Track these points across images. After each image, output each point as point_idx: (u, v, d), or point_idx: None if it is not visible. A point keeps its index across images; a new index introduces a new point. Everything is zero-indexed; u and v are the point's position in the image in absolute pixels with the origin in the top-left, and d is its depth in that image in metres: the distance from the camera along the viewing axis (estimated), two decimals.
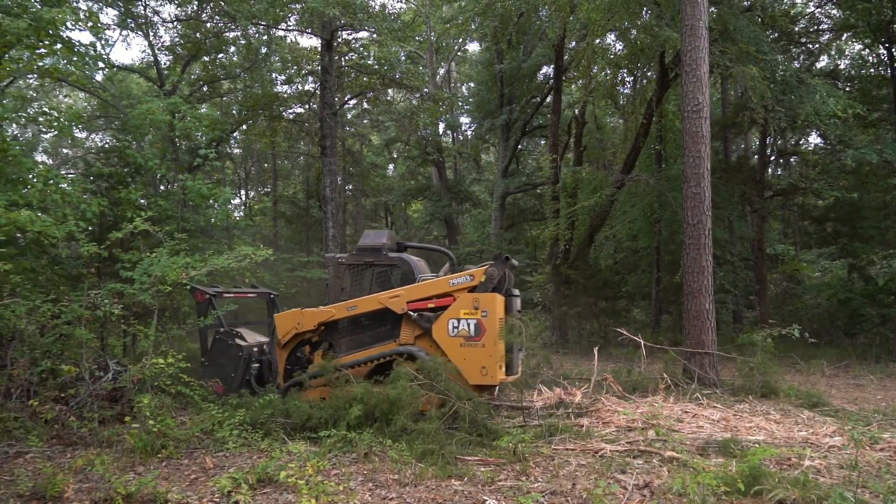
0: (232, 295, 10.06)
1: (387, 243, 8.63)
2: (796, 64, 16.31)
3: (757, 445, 6.18)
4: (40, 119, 9.82)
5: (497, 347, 7.44)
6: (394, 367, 7.70)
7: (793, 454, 6.04)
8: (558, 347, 16.52)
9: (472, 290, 7.65)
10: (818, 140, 19.00)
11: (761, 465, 5.07)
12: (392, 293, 7.96)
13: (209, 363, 8.71)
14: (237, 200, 32.26)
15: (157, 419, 6.36)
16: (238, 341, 8.77)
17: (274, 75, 22.08)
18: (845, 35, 17.54)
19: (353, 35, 19.45)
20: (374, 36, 18.45)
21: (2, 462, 5.97)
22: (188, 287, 9.11)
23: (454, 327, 7.59)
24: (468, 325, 7.53)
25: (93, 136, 26.10)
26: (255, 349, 8.80)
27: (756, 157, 18.99)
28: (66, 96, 28.56)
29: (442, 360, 7.29)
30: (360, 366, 7.91)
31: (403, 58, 20.71)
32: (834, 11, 17.01)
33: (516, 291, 8.31)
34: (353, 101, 23.27)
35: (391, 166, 34.69)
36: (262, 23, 16.67)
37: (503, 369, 7.61)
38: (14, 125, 19.85)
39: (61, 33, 8.43)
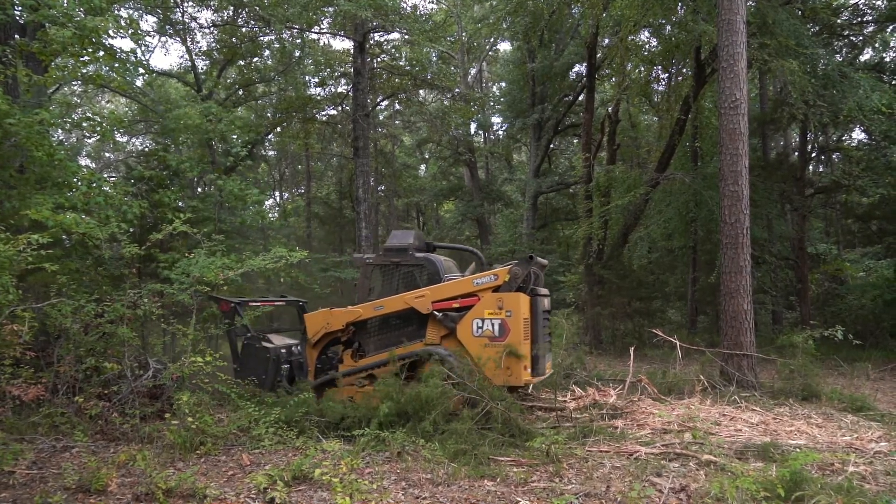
0: (258, 304, 10.21)
1: (413, 243, 8.64)
2: (839, 57, 15.80)
3: (798, 450, 6.02)
4: (84, 124, 10.14)
5: (522, 348, 7.39)
6: (419, 367, 7.74)
7: (836, 459, 5.86)
8: (592, 348, 16.35)
9: (497, 289, 7.61)
10: (862, 136, 18.39)
11: (803, 470, 4.93)
12: (417, 293, 7.98)
13: (241, 368, 8.84)
14: (271, 201, 32.79)
15: (195, 416, 6.52)
16: (266, 344, 8.91)
17: (307, 78, 22.38)
18: (891, 27, 16.95)
19: (385, 37, 19.62)
20: (406, 37, 18.55)
21: (49, 456, 6.18)
22: (214, 298, 9.38)
23: (478, 327, 7.56)
24: (492, 325, 7.49)
25: (133, 139, 26.86)
26: (283, 350, 8.94)
27: (796, 153, 18.47)
28: (108, 102, 29.45)
29: (468, 361, 7.32)
30: (386, 365, 7.90)
31: (435, 58, 20.76)
32: (878, 2, 16.45)
33: (544, 291, 8.23)
34: (385, 103, 23.44)
35: (423, 167, 34.81)
36: (296, 26, 16.91)
37: (528, 370, 7.55)
38: (60, 130, 20.56)
39: (103, 41, 8.70)
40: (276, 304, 10.67)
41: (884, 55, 17.81)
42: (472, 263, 8.88)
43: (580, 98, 23.01)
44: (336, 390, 7.99)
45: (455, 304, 7.75)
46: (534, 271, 7.76)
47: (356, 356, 8.33)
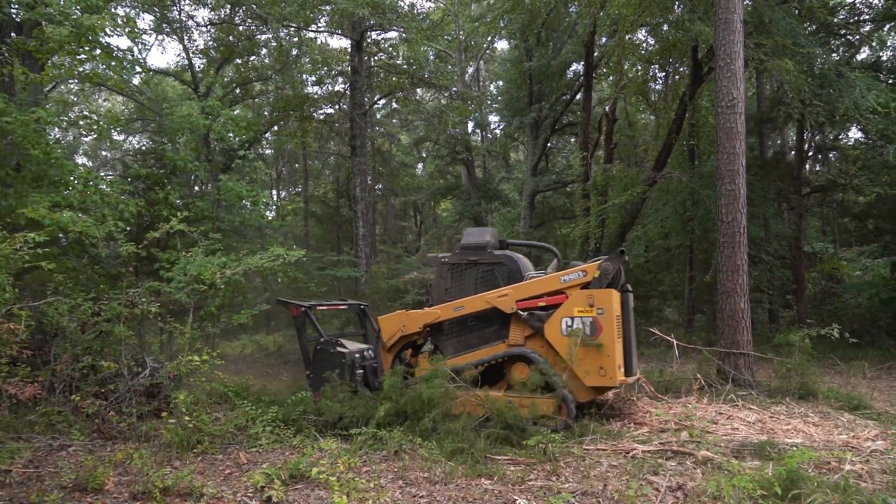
0: (325, 307, 9.82)
1: (490, 241, 8.35)
2: (835, 56, 15.83)
3: (795, 448, 6.03)
4: (81, 122, 10.12)
5: (615, 346, 7.12)
6: (506, 369, 7.57)
7: (833, 458, 5.88)
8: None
9: (585, 286, 7.31)
10: (859, 135, 18.44)
11: (799, 468, 4.94)
12: (500, 292, 7.68)
13: (314, 374, 8.45)
14: (267, 200, 32.72)
15: (192, 415, 6.51)
16: (340, 349, 8.56)
17: (305, 76, 22.34)
18: (888, 25, 16.98)
19: (383, 35, 19.61)
20: (404, 35, 18.53)
21: (46, 454, 6.17)
22: (282, 302, 9.04)
23: (568, 326, 7.26)
24: (583, 323, 7.19)
25: (130, 138, 26.80)
26: (357, 355, 8.61)
27: (793, 152, 18.50)
28: (105, 100, 29.39)
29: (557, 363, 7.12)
30: (469, 369, 7.60)
31: (432, 57, 20.75)
32: (876, 1, 16.48)
33: (629, 287, 7.90)
34: (382, 101, 23.42)
35: (420, 165, 34.80)
36: (294, 25, 16.89)
37: (622, 369, 7.26)
38: (56, 129, 20.50)
39: (100, 39, 8.68)
40: (339, 307, 10.17)
41: (881, 54, 17.85)
42: (553, 260, 8.56)
43: (577, 97, 23.01)
44: None
45: (541, 303, 7.47)
46: (621, 267, 7.47)
47: (432, 359, 7.97)
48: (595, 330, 7.15)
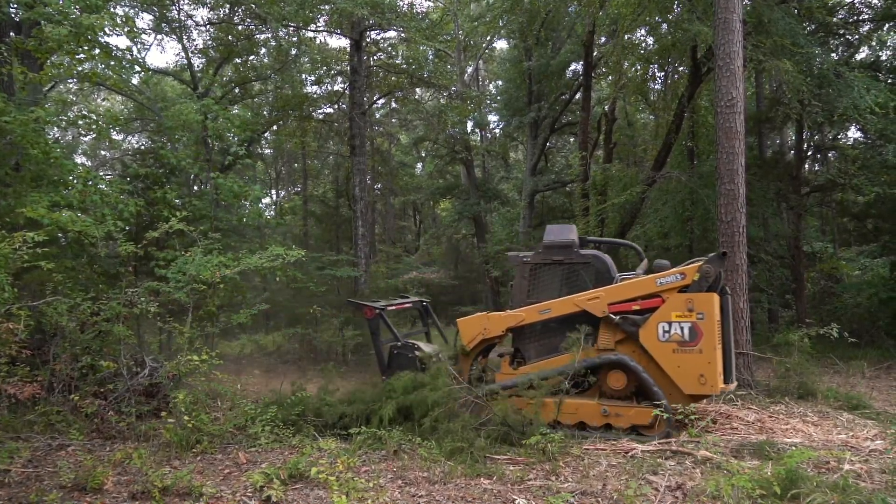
0: (394, 307, 9.43)
1: (576, 239, 8.00)
2: (834, 56, 15.83)
3: (794, 448, 6.04)
4: (80, 122, 10.11)
5: (716, 353, 6.80)
6: (598, 376, 7.29)
7: (832, 457, 5.88)
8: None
9: (683, 289, 6.98)
10: (858, 134, 18.45)
11: (799, 468, 4.95)
12: (590, 295, 7.34)
13: (390, 378, 8.09)
14: (267, 199, 32.73)
15: (191, 414, 6.51)
16: (418, 353, 8.29)
17: (304, 76, 22.30)
18: (887, 25, 16.98)
19: (382, 35, 19.57)
20: (403, 35, 18.51)
21: (45, 454, 6.17)
22: (354, 303, 8.77)
23: (665, 331, 6.93)
24: (681, 328, 6.87)
25: (129, 137, 26.76)
26: (434, 359, 8.29)
27: (792, 152, 18.50)
28: (104, 100, 29.34)
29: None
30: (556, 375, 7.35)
31: (431, 57, 20.73)
32: (875, 0, 16.49)
33: (728, 290, 7.60)
34: (381, 101, 23.40)
35: (420, 165, 34.78)
36: (293, 24, 16.86)
37: (722, 377, 6.96)
38: (55, 128, 20.49)
39: (99, 39, 8.67)
40: (405, 305, 9.86)
41: (880, 53, 17.85)
42: (643, 261, 8.25)
43: (577, 96, 23.00)
44: (502, 401, 7.24)
45: (634, 307, 7.14)
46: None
47: (514, 363, 7.76)
48: (695, 335, 6.83)
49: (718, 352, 6.84)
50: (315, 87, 22.27)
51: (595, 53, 19.20)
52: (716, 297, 6.94)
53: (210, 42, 19.29)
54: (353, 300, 9.01)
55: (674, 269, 7.15)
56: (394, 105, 25.59)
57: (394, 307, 9.27)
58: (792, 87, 12.40)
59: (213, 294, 9.28)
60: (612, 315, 7.20)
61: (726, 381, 7.06)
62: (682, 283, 7.00)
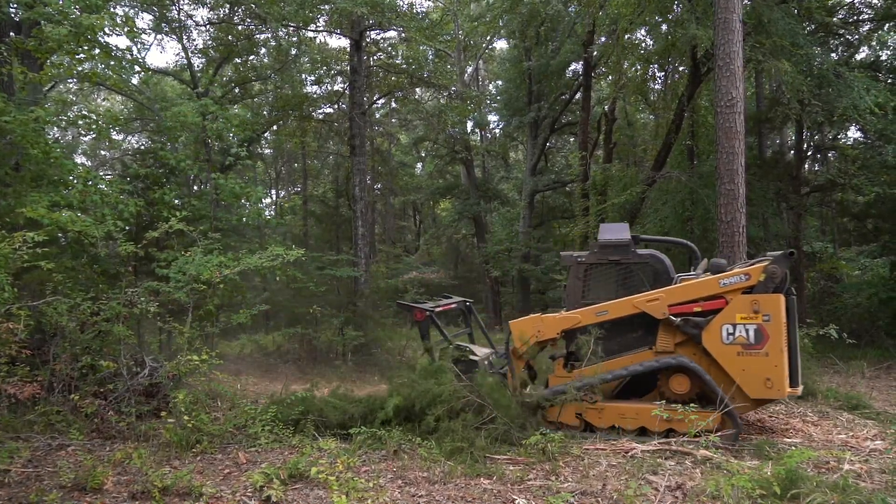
0: (440, 309, 9.13)
1: (631, 239, 7.77)
2: (834, 56, 15.84)
3: (794, 448, 6.04)
4: (80, 122, 10.10)
5: (783, 356, 6.60)
6: (659, 379, 7.11)
7: (832, 457, 5.89)
8: None
9: (748, 290, 6.76)
10: (858, 134, 18.46)
11: (798, 468, 4.95)
12: (650, 296, 7.11)
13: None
14: (268, 200, 32.75)
15: (191, 414, 6.51)
16: (471, 356, 8.06)
17: (304, 76, 22.32)
18: (887, 25, 16.98)
19: (382, 35, 19.57)
20: (403, 35, 18.51)
21: (45, 454, 6.17)
22: (403, 305, 8.55)
23: (729, 333, 6.72)
24: (746, 330, 6.67)
25: (129, 137, 26.77)
26: (487, 362, 8.14)
27: (792, 152, 18.50)
28: (104, 100, 29.35)
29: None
30: (616, 379, 7.18)
31: (431, 56, 20.74)
32: (875, 0, 16.50)
33: (794, 290, 7.32)
34: (381, 101, 23.40)
35: (419, 165, 34.80)
36: (293, 24, 16.86)
37: (788, 380, 6.74)
38: (55, 128, 20.49)
39: (99, 39, 8.67)
40: (451, 306, 9.59)
41: (880, 53, 17.85)
42: (703, 260, 8.01)
43: (577, 96, 23.02)
44: (560, 407, 7.19)
45: (696, 308, 6.91)
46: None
47: (568, 366, 7.56)
48: (761, 338, 6.64)
49: (785, 355, 6.66)
50: (315, 87, 22.29)
51: (595, 53, 19.20)
52: (782, 299, 6.73)
53: (210, 42, 19.30)
54: (402, 302, 8.79)
55: (738, 270, 6.96)
56: (394, 105, 25.59)
57: (440, 309, 9.00)
58: (791, 88, 12.40)
59: (213, 294, 9.28)
60: (672, 317, 6.98)
61: (792, 384, 6.82)
62: (747, 283, 6.79)
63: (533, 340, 7.58)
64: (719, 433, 6.42)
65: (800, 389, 6.96)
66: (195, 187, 18.00)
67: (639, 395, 7.35)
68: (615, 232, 7.87)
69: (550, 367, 7.49)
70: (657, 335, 7.15)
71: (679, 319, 6.94)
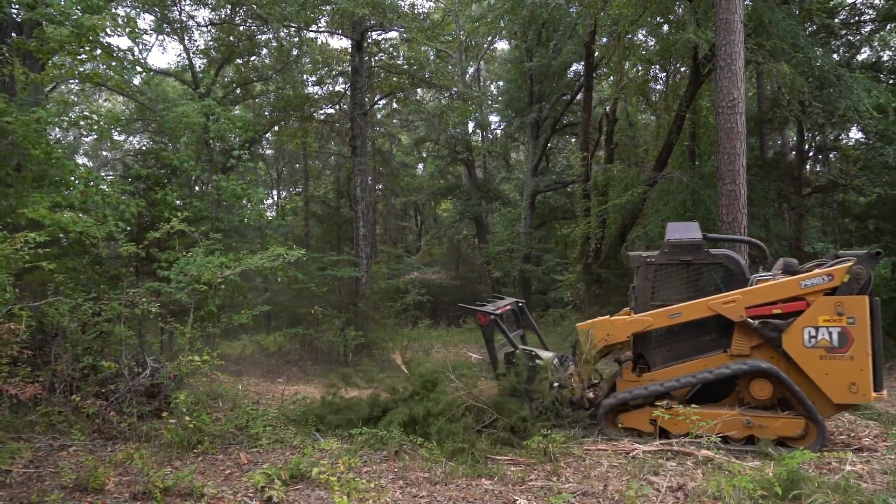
0: (500, 311, 8.69)
1: (703, 238, 7.50)
2: (835, 56, 15.83)
3: (795, 448, 6.04)
4: (81, 122, 10.10)
5: (868, 360, 6.44)
6: (737, 384, 6.88)
7: (833, 458, 5.88)
8: None
9: (831, 292, 6.57)
10: (859, 135, 18.45)
11: (800, 468, 4.95)
12: (726, 298, 6.88)
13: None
14: (269, 201, 32.78)
15: (192, 415, 6.51)
16: (538, 360, 7.82)
17: (305, 77, 22.34)
18: (889, 26, 16.97)
19: (383, 35, 19.57)
20: (404, 36, 18.52)
21: (47, 454, 6.17)
22: (466, 308, 8.29)
23: (811, 337, 6.53)
24: (829, 333, 6.48)
25: (131, 138, 26.81)
26: (555, 362, 7.91)
27: (794, 153, 18.50)
28: (105, 100, 29.39)
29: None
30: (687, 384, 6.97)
31: (433, 57, 20.76)
32: (878, 0, 16.49)
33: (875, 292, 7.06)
34: (382, 101, 23.41)
35: (421, 165, 34.82)
36: (294, 25, 16.87)
37: (873, 384, 6.54)
38: (57, 129, 20.51)
39: (101, 39, 8.67)
40: (507, 308, 9.25)
41: (881, 54, 17.84)
42: (778, 260, 7.83)
43: (578, 97, 23.03)
44: (633, 414, 7.01)
45: (775, 310, 6.70)
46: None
47: (637, 370, 7.35)
48: (845, 341, 6.46)
49: (870, 358, 6.47)
50: (316, 88, 22.31)
51: (596, 54, 19.21)
52: (867, 300, 6.53)
53: (211, 42, 19.32)
54: (464, 305, 8.47)
55: (820, 270, 6.74)
56: (395, 105, 25.59)
57: (499, 311, 8.65)
58: (793, 89, 12.41)
59: (215, 294, 9.28)
60: (749, 319, 6.76)
61: (877, 388, 6.58)
62: (830, 284, 6.59)
63: (602, 344, 7.39)
64: (802, 441, 6.28)
65: (885, 393, 6.76)
66: (196, 188, 18.01)
67: (709, 399, 7.09)
68: (685, 231, 7.62)
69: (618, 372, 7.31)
70: (732, 338, 6.93)
71: (757, 322, 6.74)
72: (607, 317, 7.59)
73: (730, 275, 7.25)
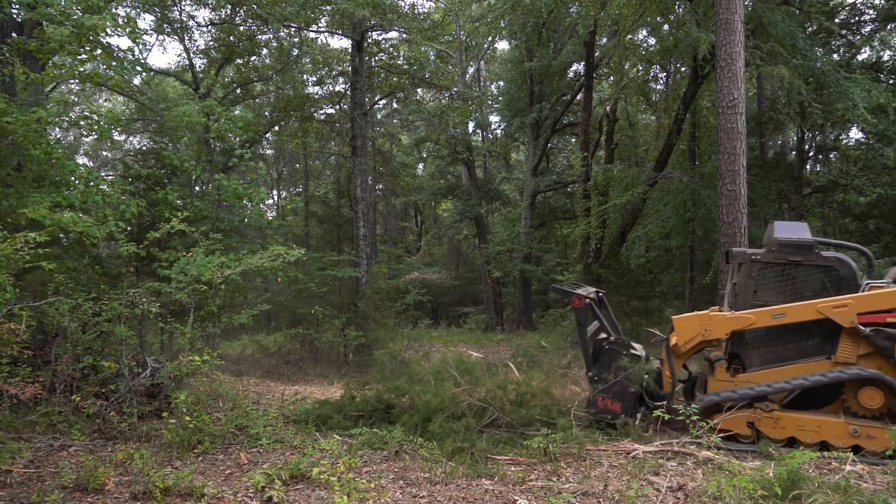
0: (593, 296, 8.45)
1: (814, 240, 7.22)
2: (836, 56, 15.84)
3: (795, 448, 6.03)
4: (81, 122, 10.10)
5: None
6: (844, 393, 6.62)
7: (833, 458, 5.88)
8: None
9: None
10: (860, 135, 18.46)
11: (800, 468, 4.95)
12: (837, 301, 6.61)
13: (599, 378, 7.38)
14: (270, 201, 32.79)
15: (193, 415, 6.51)
16: (634, 351, 7.54)
17: (305, 77, 22.36)
18: (889, 26, 16.98)
19: (383, 35, 19.59)
20: (404, 36, 18.54)
21: (47, 454, 6.17)
22: (560, 290, 8.09)
23: None
24: None
25: (131, 138, 26.83)
26: (645, 360, 7.65)
27: (794, 153, 18.51)
28: (105, 100, 29.40)
29: None
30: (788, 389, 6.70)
31: (433, 57, 20.77)
32: (878, 0, 16.50)
33: None
34: (383, 101, 23.44)
35: (421, 166, 34.83)
36: (294, 25, 16.88)
37: None
38: (57, 129, 20.51)
39: (101, 39, 8.67)
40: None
41: (881, 54, 17.85)
42: (893, 268, 7.64)
43: (578, 97, 23.04)
44: (733, 417, 6.70)
45: (890, 318, 6.46)
46: None
47: (730, 370, 7.13)
48: None
49: None
50: (316, 88, 22.33)
51: (596, 54, 19.21)
52: None
53: (212, 42, 19.33)
54: (558, 286, 8.16)
55: None
56: (395, 106, 25.63)
57: (592, 295, 8.24)
58: (792, 90, 12.41)
59: (215, 294, 9.27)
60: (860, 326, 6.50)
61: None
62: None
63: (698, 339, 7.13)
64: None
65: None
66: (196, 188, 18.02)
67: (809, 405, 6.85)
68: (795, 231, 7.29)
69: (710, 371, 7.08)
70: (838, 344, 6.67)
71: (868, 329, 6.49)
72: (707, 311, 7.34)
73: (840, 279, 6.95)
